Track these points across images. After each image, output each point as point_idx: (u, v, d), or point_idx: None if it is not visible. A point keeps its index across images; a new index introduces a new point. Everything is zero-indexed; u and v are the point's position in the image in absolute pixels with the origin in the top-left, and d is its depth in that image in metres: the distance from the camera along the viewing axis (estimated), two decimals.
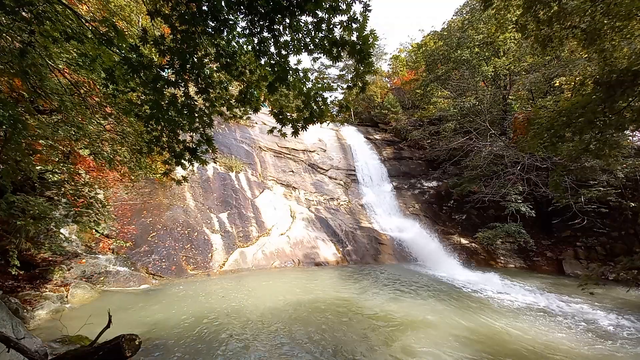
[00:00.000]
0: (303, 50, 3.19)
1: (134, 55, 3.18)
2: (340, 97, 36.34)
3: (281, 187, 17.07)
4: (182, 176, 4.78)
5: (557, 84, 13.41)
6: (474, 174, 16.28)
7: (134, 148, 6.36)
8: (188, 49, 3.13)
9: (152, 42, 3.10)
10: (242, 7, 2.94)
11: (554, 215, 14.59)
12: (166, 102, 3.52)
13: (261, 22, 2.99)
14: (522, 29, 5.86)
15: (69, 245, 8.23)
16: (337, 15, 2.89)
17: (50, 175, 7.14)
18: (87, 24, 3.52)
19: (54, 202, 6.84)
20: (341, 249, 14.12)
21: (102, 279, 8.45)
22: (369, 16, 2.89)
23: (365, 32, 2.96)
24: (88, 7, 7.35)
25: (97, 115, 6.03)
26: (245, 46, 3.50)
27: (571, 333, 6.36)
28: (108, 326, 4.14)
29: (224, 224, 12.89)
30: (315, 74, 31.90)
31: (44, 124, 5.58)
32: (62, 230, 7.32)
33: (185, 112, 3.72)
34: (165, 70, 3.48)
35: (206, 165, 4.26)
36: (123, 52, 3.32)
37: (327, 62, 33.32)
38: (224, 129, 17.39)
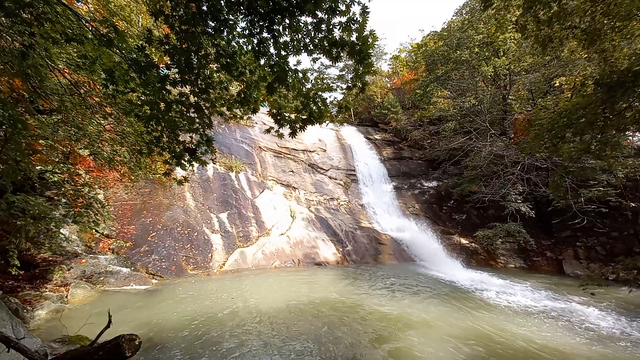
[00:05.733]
0: (302, 51, 3.19)
1: (141, 56, 3.18)
2: (340, 97, 36.35)
3: (281, 187, 17.08)
4: (182, 176, 4.79)
5: (557, 84, 13.41)
6: (474, 174, 16.28)
7: (134, 148, 6.37)
8: (193, 49, 3.14)
9: (157, 43, 3.10)
10: (242, 8, 2.94)
11: (554, 215, 14.58)
12: (167, 102, 3.52)
13: (261, 23, 2.99)
14: (522, 29, 5.85)
15: (69, 245, 8.23)
16: (337, 16, 2.89)
17: (50, 175, 7.15)
18: (87, 25, 3.52)
19: (54, 202, 6.85)
20: (341, 249, 14.12)
21: (102, 279, 8.46)
22: (368, 17, 2.89)
23: (365, 33, 2.96)
24: (88, 7, 7.36)
25: (97, 115, 6.03)
26: (245, 46, 3.50)
27: (571, 333, 6.36)
28: (108, 326, 4.14)
29: (224, 224, 12.90)
30: (315, 74, 31.86)
31: (44, 124, 5.59)
32: (62, 230, 7.31)
33: (186, 112, 3.72)
34: (166, 70, 3.48)
35: (206, 165, 4.27)
36: (124, 52, 3.32)
37: (327, 62, 33.36)
38: (224, 129, 17.39)
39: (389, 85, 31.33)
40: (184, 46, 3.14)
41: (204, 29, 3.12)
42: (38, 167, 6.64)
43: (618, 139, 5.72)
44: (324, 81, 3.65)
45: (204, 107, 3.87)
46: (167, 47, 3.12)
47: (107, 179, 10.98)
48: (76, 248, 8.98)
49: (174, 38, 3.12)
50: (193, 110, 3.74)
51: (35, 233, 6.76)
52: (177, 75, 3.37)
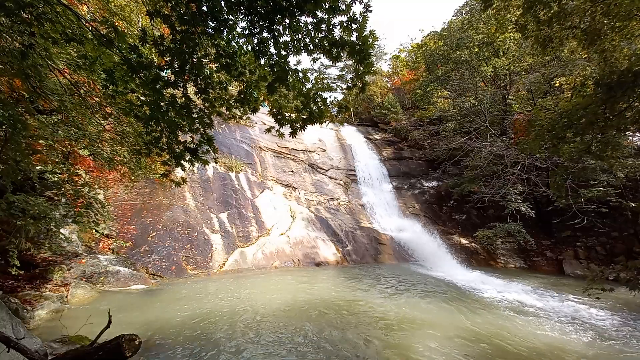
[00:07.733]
0: (303, 51, 3.19)
1: (134, 56, 3.18)
2: (340, 97, 36.33)
3: (281, 187, 17.07)
4: (181, 177, 4.78)
5: (557, 84, 13.42)
6: (474, 174, 16.28)
7: (134, 148, 6.36)
8: (187, 50, 3.13)
9: (151, 42, 3.10)
10: (242, 8, 2.94)
11: (554, 215, 14.58)
12: (166, 102, 3.52)
13: (261, 23, 2.99)
14: (522, 29, 5.85)
15: (69, 245, 8.23)
16: (337, 16, 2.89)
17: (50, 175, 7.14)
18: (87, 25, 3.52)
19: (54, 202, 6.84)
20: (341, 249, 14.12)
21: (102, 279, 8.45)
22: (368, 17, 2.89)
23: (365, 33, 2.96)
24: (88, 7, 7.36)
25: (97, 116, 6.03)
26: (245, 46, 3.50)
27: (571, 333, 6.36)
28: (108, 326, 4.15)
29: (224, 224, 12.90)
30: (315, 74, 31.85)
31: (44, 124, 5.59)
32: (62, 230, 7.31)
33: (185, 112, 3.71)
34: (165, 70, 3.47)
35: (207, 165, 4.25)
36: (123, 52, 3.32)
37: (327, 62, 33.32)
38: (224, 129, 17.39)
39: (389, 85, 31.33)
40: (182, 47, 3.13)
41: (203, 29, 3.12)
42: (38, 167, 6.63)
43: (618, 139, 5.72)
44: (324, 81, 3.65)
45: (203, 107, 3.87)
46: (161, 47, 3.11)
47: (107, 179, 10.98)
48: (76, 248, 8.98)
49: (169, 39, 3.11)
50: (186, 111, 3.71)
51: (35, 233, 6.76)
52: (174, 76, 3.36)
